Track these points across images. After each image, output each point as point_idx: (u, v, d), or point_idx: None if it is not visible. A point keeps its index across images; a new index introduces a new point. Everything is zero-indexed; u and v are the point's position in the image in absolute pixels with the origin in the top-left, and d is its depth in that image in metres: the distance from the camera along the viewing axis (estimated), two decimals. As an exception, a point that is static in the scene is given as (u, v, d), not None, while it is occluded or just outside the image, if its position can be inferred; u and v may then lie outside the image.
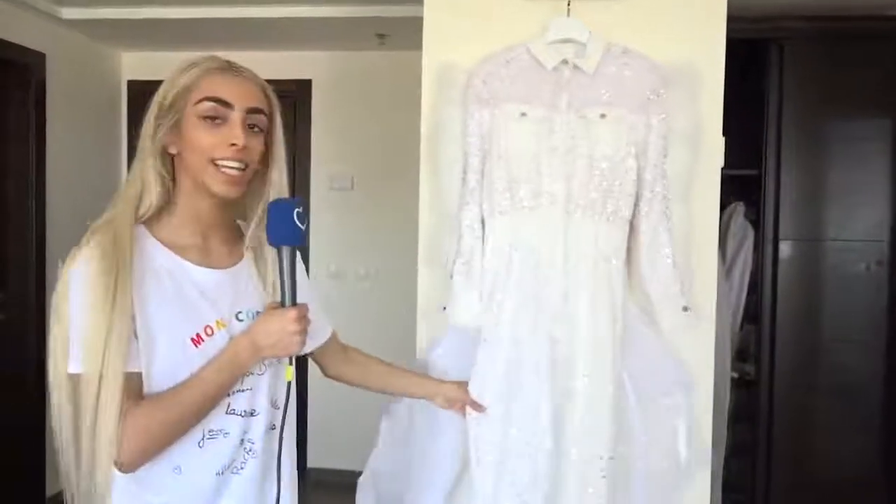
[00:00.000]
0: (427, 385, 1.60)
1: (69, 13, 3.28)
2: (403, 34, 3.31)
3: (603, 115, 1.69)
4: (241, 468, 1.16)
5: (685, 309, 1.71)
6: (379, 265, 3.85)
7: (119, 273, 1.05)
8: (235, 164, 1.12)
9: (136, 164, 1.16)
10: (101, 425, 1.03)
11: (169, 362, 1.09)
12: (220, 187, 1.13)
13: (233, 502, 1.15)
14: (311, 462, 3.89)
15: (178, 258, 1.14)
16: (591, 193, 1.67)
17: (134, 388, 1.06)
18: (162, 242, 1.14)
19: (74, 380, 1.06)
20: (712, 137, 1.81)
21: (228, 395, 1.14)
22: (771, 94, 2.80)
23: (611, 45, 1.74)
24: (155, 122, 1.13)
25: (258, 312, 1.18)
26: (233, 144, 1.11)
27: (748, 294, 3.08)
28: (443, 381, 1.62)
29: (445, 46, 1.87)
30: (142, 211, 1.13)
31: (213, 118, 1.12)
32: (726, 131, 1.83)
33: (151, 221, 1.15)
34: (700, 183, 1.79)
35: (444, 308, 1.74)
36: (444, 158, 1.75)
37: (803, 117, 2.81)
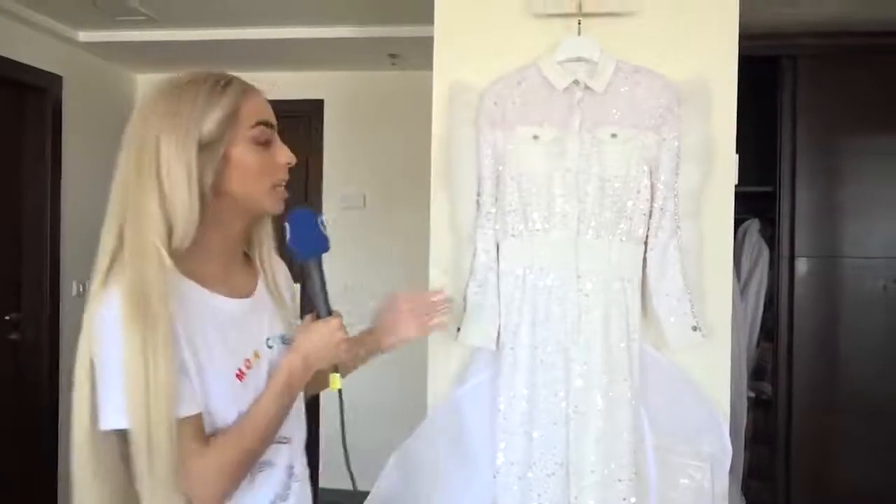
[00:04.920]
0: (367, 342, 1.50)
1: (86, 36, 3.33)
2: (415, 54, 3.33)
3: (614, 135, 1.68)
4: (288, 495, 1.15)
5: (694, 329, 1.69)
6: (391, 284, 3.84)
7: (159, 313, 0.96)
8: (283, 182, 1.12)
9: (154, 195, 1.01)
10: (161, 477, 0.95)
11: (221, 400, 1.03)
12: (276, 207, 1.11)
13: None
14: (322, 483, 3.87)
15: (206, 291, 1.07)
16: (604, 213, 1.66)
17: (199, 431, 1.00)
18: (187, 276, 1.04)
19: (110, 437, 0.98)
20: (725, 154, 1.79)
21: None
22: (784, 110, 2.79)
23: (622, 63, 1.73)
24: (198, 160, 1.01)
25: (283, 336, 1.16)
26: (288, 163, 1.11)
27: (763, 311, 3.04)
28: (371, 332, 1.52)
29: (456, 66, 1.86)
30: (175, 245, 1.02)
31: (266, 142, 1.08)
32: (739, 148, 1.82)
33: (174, 255, 1.03)
34: (713, 200, 1.78)
35: (458, 329, 1.72)
36: (457, 180, 1.74)
37: (817, 132, 2.79)
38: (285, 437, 1.14)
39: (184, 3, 2.93)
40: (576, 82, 1.71)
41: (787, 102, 2.78)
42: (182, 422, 0.97)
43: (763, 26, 2.55)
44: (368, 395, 3.75)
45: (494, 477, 1.65)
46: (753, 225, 3.10)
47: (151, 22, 3.12)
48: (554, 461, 1.62)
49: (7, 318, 3.10)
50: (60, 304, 3.22)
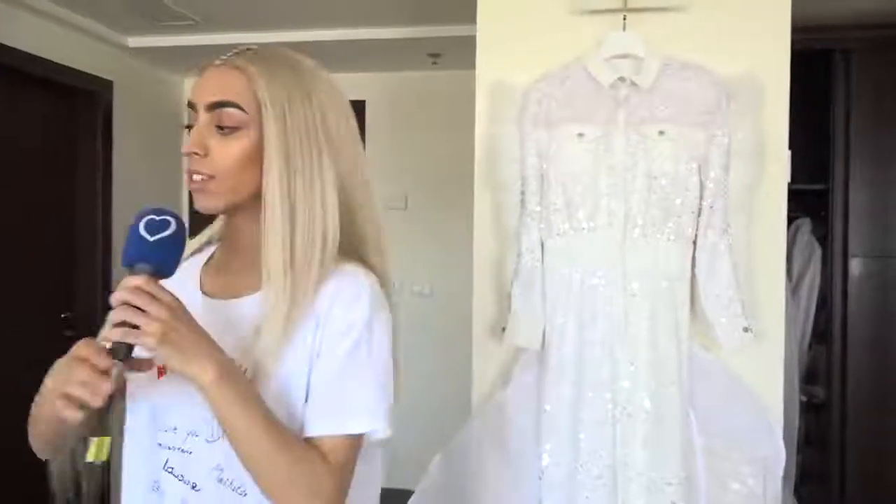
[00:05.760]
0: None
1: (135, 42, 3.41)
2: (456, 54, 3.32)
3: (662, 132, 1.65)
4: None
5: (746, 330, 1.65)
6: (434, 284, 3.85)
7: None
8: (195, 175, 0.89)
9: None
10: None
11: None
12: (195, 201, 0.91)
13: None
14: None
15: (197, 282, 0.97)
16: (650, 211, 1.63)
17: None
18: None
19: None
20: (778, 151, 1.75)
21: None
22: (837, 106, 2.70)
23: (669, 59, 1.70)
24: None
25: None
26: (186, 152, 0.90)
27: (815, 312, 2.96)
28: None
29: (499, 64, 1.86)
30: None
31: (189, 127, 0.91)
32: (789, 145, 1.77)
33: None
34: (765, 198, 1.73)
35: (503, 329, 1.71)
36: (500, 179, 1.74)
37: (871, 128, 2.70)
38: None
39: (226, 7, 2.97)
40: (621, 79, 1.69)
41: (841, 98, 2.69)
42: None
43: (816, 19, 2.48)
44: (410, 395, 3.76)
45: (540, 478, 1.63)
46: (805, 224, 3.02)
47: (196, 26, 3.18)
48: (601, 463, 1.60)
49: (63, 316, 3.20)
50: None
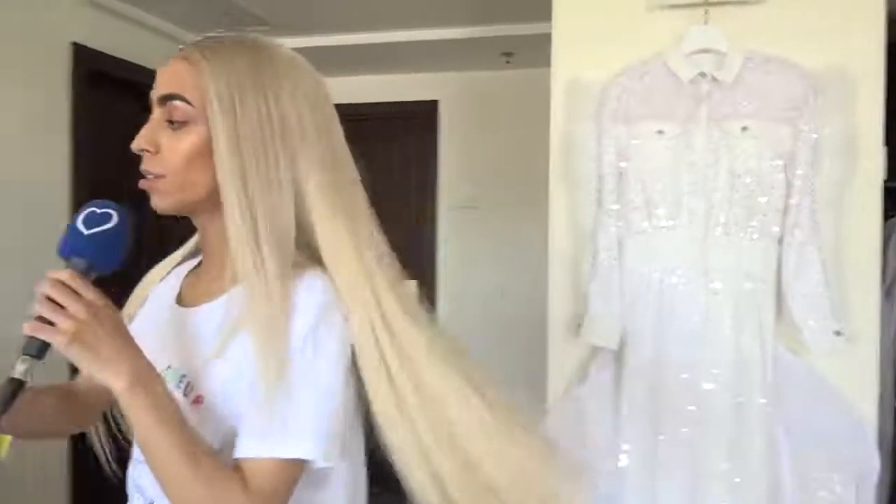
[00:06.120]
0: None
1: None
2: (530, 52, 3.32)
3: (745, 128, 1.61)
4: None
5: (837, 333, 1.59)
6: (507, 284, 3.85)
7: None
8: (146, 174, 0.84)
9: None
10: None
11: None
12: (151, 201, 0.85)
13: None
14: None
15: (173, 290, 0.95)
16: (733, 209, 1.59)
17: None
18: None
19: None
20: (872, 147, 1.67)
21: None
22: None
23: (752, 53, 1.65)
24: None
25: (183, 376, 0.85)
26: (135, 150, 0.84)
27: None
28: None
29: (575, 61, 1.84)
30: None
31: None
32: (886, 141, 1.69)
33: None
34: (858, 196, 1.66)
35: (579, 326, 1.70)
36: (577, 176, 1.73)
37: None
38: None
39: (298, 11, 3.05)
40: (702, 74, 1.65)
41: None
42: None
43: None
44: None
45: (618, 479, 1.61)
46: (899, 222, 2.87)
47: (267, 31, 3.27)
48: (682, 466, 1.57)
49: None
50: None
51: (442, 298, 3.95)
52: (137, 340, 0.79)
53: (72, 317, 0.71)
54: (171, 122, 0.82)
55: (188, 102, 0.81)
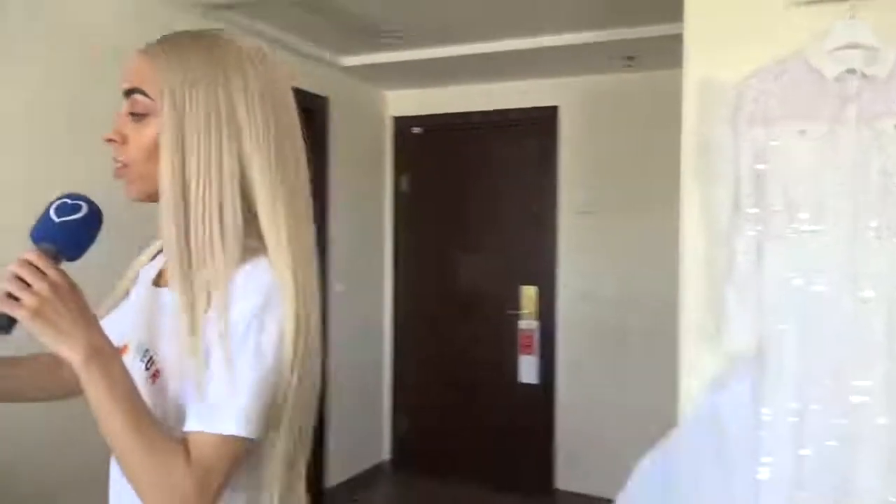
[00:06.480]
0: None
1: (348, 61, 3.71)
2: (651, 55, 3.26)
3: (900, 127, 1.52)
4: None
5: None
6: (629, 288, 3.79)
7: None
8: (115, 161, 0.91)
9: None
10: None
11: None
12: (125, 191, 0.93)
13: None
14: (559, 484, 3.92)
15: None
16: (887, 211, 1.51)
17: None
18: None
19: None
20: None
21: None
22: None
23: (907, 48, 1.56)
24: None
25: (146, 351, 0.93)
26: (105, 140, 0.91)
27: None
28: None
29: (707, 62, 1.80)
30: None
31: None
32: None
33: None
34: None
35: (714, 331, 1.67)
36: (711, 180, 1.69)
37: None
38: None
39: (428, 24, 3.15)
40: (850, 71, 1.57)
41: None
42: None
43: None
44: (610, 394, 3.74)
45: (757, 493, 1.56)
46: None
47: (403, 43, 3.40)
48: (828, 483, 1.50)
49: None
50: (328, 310, 3.61)
51: (566, 301, 3.96)
52: (123, 316, 0.92)
53: (36, 294, 0.77)
54: (133, 114, 0.88)
55: (147, 96, 0.87)
